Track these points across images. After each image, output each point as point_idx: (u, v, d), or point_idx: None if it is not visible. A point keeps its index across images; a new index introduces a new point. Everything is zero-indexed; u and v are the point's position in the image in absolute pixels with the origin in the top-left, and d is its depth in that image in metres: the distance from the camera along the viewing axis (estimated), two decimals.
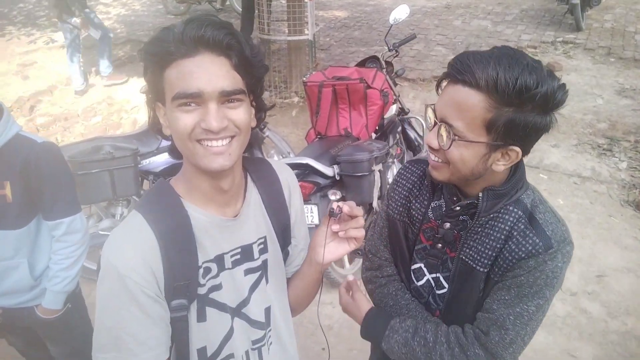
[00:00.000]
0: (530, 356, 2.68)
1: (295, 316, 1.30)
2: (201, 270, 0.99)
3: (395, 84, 3.63)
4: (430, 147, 1.06)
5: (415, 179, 1.28)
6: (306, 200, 2.82)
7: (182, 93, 0.88)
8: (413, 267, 1.28)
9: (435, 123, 1.04)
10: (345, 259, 3.27)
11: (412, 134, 3.77)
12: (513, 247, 1.07)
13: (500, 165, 1.03)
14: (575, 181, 4.22)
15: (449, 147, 1.01)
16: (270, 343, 1.16)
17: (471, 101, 0.95)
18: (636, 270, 3.28)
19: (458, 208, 1.14)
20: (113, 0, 10.06)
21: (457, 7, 8.62)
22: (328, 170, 2.83)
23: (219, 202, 1.03)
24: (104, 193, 2.94)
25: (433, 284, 1.25)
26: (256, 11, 5.44)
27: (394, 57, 3.71)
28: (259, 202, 1.12)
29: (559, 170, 4.35)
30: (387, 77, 3.39)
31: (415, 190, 1.26)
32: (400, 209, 1.28)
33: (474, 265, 1.13)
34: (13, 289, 1.76)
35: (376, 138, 3.43)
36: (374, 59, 3.61)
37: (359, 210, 1.01)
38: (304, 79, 3.26)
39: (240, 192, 1.08)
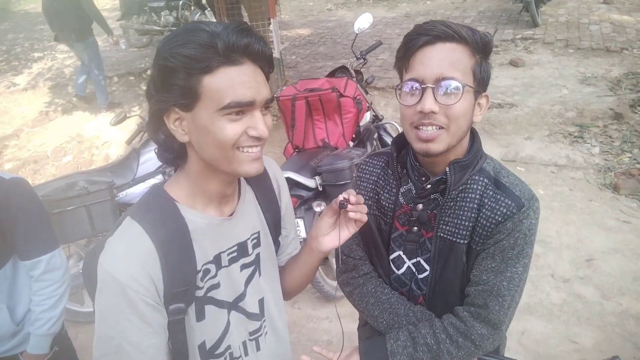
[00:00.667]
0: (533, 348, 2.67)
1: (290, 299, 1.34)
2: (200, 274, 0.99)
3: (367, 92, 3.64)
4: (431, 113, 1.03)
5: (379, 171, 1.29)
6: None
7: (236, 102, 0.87)
8: (392, 256, 1.28)
9: (424, 89, 1.03)
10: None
11: (388, 140, 3.77)
12: (488, 213, 1.11)
13: (478, 115, 1.11)
14: (553, 170, 4.28)
15: (460, 98, 1.03)
16: (266, 333, 1.19)
17: (460, 52, 1.04)
18: (623, 250, 3.32)
19: (429, 186, 1.16)
20: None
21: (417, 15, 8.81)
22: (310, 182, 2.80)
23: (219, 203, 1.04)
24: (83, 230, 2.84)
25: (414, 270, 1.25)
26: None
27: (362, 65, 3.74)
28: (253, 198, 1.15)
29: (535, 162, 4.42)
30: (358, 85, 3.40)
31: (380, 181, 1.28)
32: (369, 202, 1.29)
33: (454, 239, 1.15)
34: None
35: (354, 146, 3.42)
36: (343, 69, 3.63)
37: (361, 198, 1.07)
38: (276, 94, 3.25)
39: (236, 190, 1.10)
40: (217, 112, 0.88)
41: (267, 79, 0.97)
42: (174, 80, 0.87)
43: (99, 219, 2.86)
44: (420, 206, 1.19)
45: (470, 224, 1.13)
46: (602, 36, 6.73)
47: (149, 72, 7.11)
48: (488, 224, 1.10)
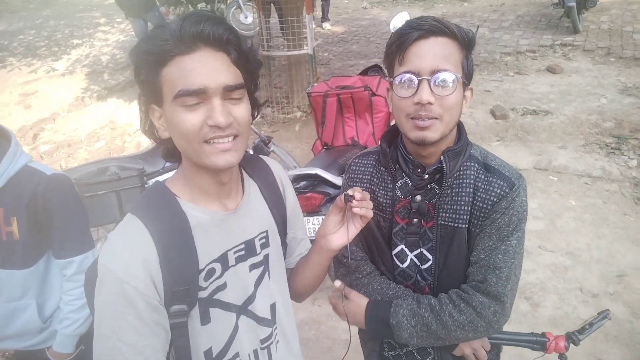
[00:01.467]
0: None
1: (301, 302, 1.31)
2: (203, 274, 0.96)
3: None
4: (428, 104, 1.08)
5: (372, 169, 1.31)
6: (317, 211, 2.77)
7: (185, 90, 0.86)
8: (394, 251, 1.29)
9: (420, 81, 1.08)
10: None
11: None
12: (483, 195, 1.16)
13: (465, 107, 1.17)
14: (586, 181, 4.16)
15: (454, 89, 1.08)
16: (277, 341, 1.14)
17: (451, 46, 1.10)
18: None
19: (427, 176, 1.20)
20: (111, 28, 10.17)
21: (453, 16, 8.67)
22: (337, 180, 2.79)
23: (219, 196, 1.02)
24: (112, 215, 2.89)
25: (417, 262, 1.27)
26: (257, 28, 5.48)
27: None
28: (259, 195, 1.12)
29: (568, 172, 4.29)
30: None
31: (375, 179, 1.30)
32: None
33: (455, 225, 1.19)
34: (22, 331, 1.64)
35: None
36: (376, 68, 3.61)
37: (367, 194, 1.08)
38: (308, 89, 3.25)
39: (238, 185, 1.08)
40: (173, 103, 0.88)
41: (244, 63, 0.93)
42: (141, 76, 0.91)
43: (128, 205, 2.91)
44: (418, 197, 1.22)
45: (469, 208, 1.18)
46: None
47: None
48: (484, 206, 1.16)
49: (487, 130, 5.05)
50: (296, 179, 2.77)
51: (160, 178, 3.24)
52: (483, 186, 1.17)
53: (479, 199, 1.17)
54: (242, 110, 0.92)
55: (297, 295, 1.26)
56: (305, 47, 5.40)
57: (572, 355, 2.63)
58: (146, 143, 5.46)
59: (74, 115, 6.43)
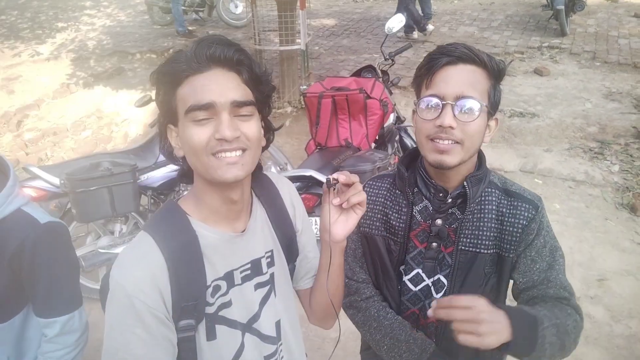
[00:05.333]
0: None
1: (330, 327, 1.29)
2: (210, 289, 0.99)
3: (391, 93, 3.64)
4: (449, 128, 1.09)
5: (386, 192, 1.32)
6: (310, 212, 2.80)
7: (195, 105, 0.90)
8: (409, 275, 1.28)
9: (444, 105, 1.10)
10: None
11: (408, 142, 3.78)
12: (512, 220, 1.19)
13: (487, 137, 1.19)
14: (570, 185, 4.26)
15: (478, 116, 1.10)
16: (282, 357, 1.16)
17: (479, 74, 1.12)
18: (635, 273, 3.31)
19: (450, 200, 1.21)
20: (98, 12, 9.96)
21: (443, 14, 8.71)
22: None
23: (229, 217, 1.04)
24: (103, 210, 2.88)
25: (432, 289, 1.26)
26: (245, 19, 5.43)
27: (390, 66, 3.73)
28: (264, 215, 1.14)
29: (553, 175, 4.39)
30: (385, 86, 3.40)
31: (389, 203, 1.30)
32: (378, 223, 1.32)
33: (477, 250, 1.20)
34: None
35: (375, 147, 3.43)
36: (369, 68, 3.62)
37: (355, 177, 1.03)
38: (302, 88, 3.27)
39: (248, 206, 1.10)
40: (185, 119, 0.93)
41: (256, 84, 0.97)
42: (159, 97, 0.97)
43: (120, 201, 2.91)
44: (439, 221, 1.22)
45: (493, 234, 1.20)
46: (630, 51, 6.62)
47: (171, 50, 7.14)
48: (515, 230, 1.18)
49: None
50: (290, 181, 2.80)
51: (152, 173, 3.23)
52: (509, 211, 1.20)
53: (508, 224, 1.19)
54: (251, 126, 0.95)
55: (322, 317, 1.24)
56: (297, 42, 5.38)
57: None
58: (134, 134, 5.41)
59: (59, 102, 6.30)
